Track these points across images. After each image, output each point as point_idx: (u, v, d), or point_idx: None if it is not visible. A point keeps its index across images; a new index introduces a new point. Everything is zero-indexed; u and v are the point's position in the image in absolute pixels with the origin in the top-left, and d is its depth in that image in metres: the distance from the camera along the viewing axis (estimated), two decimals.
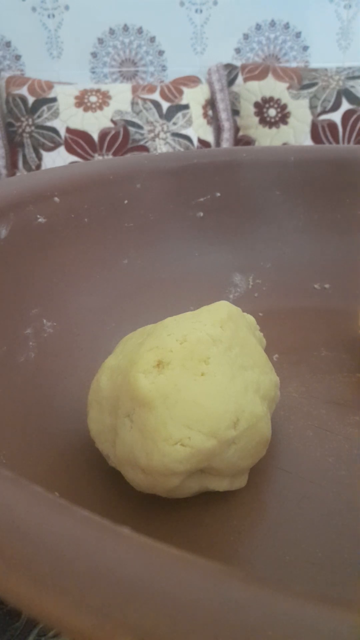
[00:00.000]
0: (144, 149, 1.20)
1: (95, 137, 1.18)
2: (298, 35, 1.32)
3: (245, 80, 1.25)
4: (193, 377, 0.21)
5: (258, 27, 1.31)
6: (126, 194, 0.33)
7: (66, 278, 0.29)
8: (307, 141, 1.21)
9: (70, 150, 1.19)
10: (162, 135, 1.20)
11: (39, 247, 0.28)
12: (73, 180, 0.30)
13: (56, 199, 0.29)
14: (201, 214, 0.37)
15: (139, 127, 1.19)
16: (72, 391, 0.27)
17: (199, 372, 0.21)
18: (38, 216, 0.28)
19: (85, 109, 1.18)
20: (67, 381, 0.27)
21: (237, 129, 1.28)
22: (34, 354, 0.26)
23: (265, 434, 0.22)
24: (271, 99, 1.23)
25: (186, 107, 1.23)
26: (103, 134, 1.18)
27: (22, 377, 0.25)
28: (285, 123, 1.22)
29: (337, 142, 1.20)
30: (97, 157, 1.19)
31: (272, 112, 1.23)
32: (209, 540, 0.21)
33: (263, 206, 0.39)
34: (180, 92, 1.23)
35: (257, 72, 1.25)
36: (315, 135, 1.21)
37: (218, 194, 0.38)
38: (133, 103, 1.20)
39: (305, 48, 1.33)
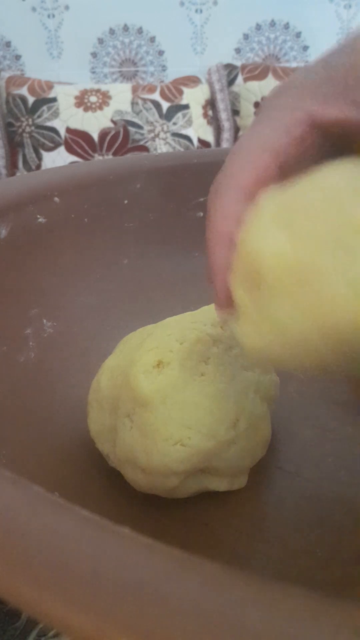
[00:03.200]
0: (144, 149, 1.20)
1: (95, 137, 1.18)
2: (298, 35, 1.32)
3: (245, 80, 1.25)
4: (193, 377, 0.21)
5: (258, 27, 1.31)
6: (126, 194, 0.33)
7: (66, 278, 0.29)
8: None
9: (70, 150, 1.19)
10: (162, 135, 1.20)
11: (39, 247, 0.28)
12: (73, 180, 0.30)
13: (56, 199, 0.29)
14: (201, 214, 0.37)
15: (139, 127, 1.19)
16: (72, 391, 0.27)
17: (199, 372, 0.21)
18: (38, 216, 0.28)
19: (85, 109, 1.18)
20: (67, 381, 0.27)
21: (237, 129, 1.28)
22: (34, 353, 0.26)
23: (265, 434, 0.22)
24: None
25: (186, 107, 1.23)
26: (103, 134, 1.18)
27: (22, 377, 0.25)
28: None
29: None
30: (97, 157, 1.19)
31: None
32: (209, 540, 0.21)
33: None
34: (180, 92, 1.23)
35: (257, 72, 1.25)
36: None
37: None
38: (133, 103, 1.20)
39: (305, 48, 1.33)
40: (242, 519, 0.22)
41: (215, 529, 0.21)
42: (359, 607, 0.09)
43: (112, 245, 0.32)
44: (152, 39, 1.30)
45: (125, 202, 0.33)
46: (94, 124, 1.18)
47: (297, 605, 0.09)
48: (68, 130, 1.18)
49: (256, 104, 1.24)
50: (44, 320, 0.28)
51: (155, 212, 0.35)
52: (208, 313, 0.24)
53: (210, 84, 1.29)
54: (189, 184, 0.37)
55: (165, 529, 0.21)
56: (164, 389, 0.20)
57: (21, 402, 0.24)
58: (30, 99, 1.19)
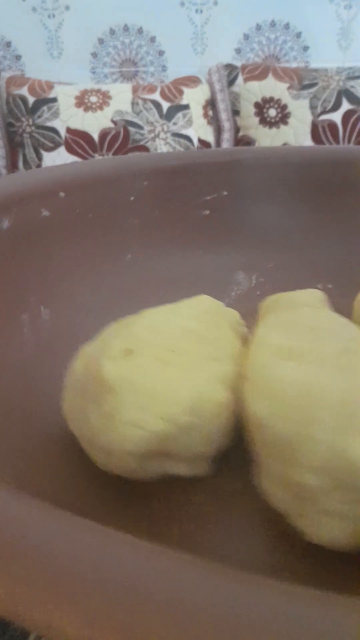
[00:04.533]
0: (144, 149, 1.20)
1: (96, 137, 1.18)
2: (298, 35, 1.32)
3: (246, 80, 1.26)
4: (158, 364, 0.22)
5: (258, 27, 1.31)
6: (132, 191, 0.33)
7: (68, 269, 0.30)
8: (308, 141, 1.21)
9: (70, 150, 1.19)
10: (162, 135, 1.20)
11: (41, 238, 0.28)
12: (79, 177, 0.31)
13: (62, 194, 0.29)
14: (207, 212, 0.37)
15: (139, 127, 1.19)
16: (59, 376, 0.27)
17: (165, 360, 0.22)
18: (42, 210, 0.28)
19: (86, 109, 1.18)
20: (55, 365, 0.28)
21: (237, 129, 1.28)
22: (27, 338, 0.27)
23: (227, 423, 0.23)
24: (271, 99, 1.23)
25: (186, 107, 1.23)
26: (103, 134, 1.18)
27: (10, 359, 0.25)
28: (286, 123, 1.22)
29: (338, 142, 1.20)
30: (98, 158, 1.19)
31: (272, 112, 1.23)
32: (179, 528, 0.22)
33: (269, 206, 0.40)
34: (181, 92, 1.23)
35: (257, 72, 1.25)
36: (315, 135, 1.21)
37: (225, 193, 0.38)
38: (133, 103, 1.20)
39: (306, 48, 1.33)
40: (210, 505, 0.23)
41: (183, 516, 0.22)
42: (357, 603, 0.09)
43: (116, 240, 0.32)
44: (153, 39, 1.30)
45: (131, 199, 0.33)
46: (94, 124, 1.18)
47: (295, 601, 0.09)
48: (68, 130, 1.18)
49: (256, 104, 1.24)
50: (42, 307, 0.28)
51: (161, 209, 0.35)
52: (186, 306, 0.25)
53: (211, 84, 1.29)
54: (196, 183, 0.37)
55: (135, 515, 0.22)
56: (127, 375, 0.21)
57: (7, 386, 0.25)
58: (31, 99, 1.19)
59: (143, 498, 0.23)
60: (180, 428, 0.21)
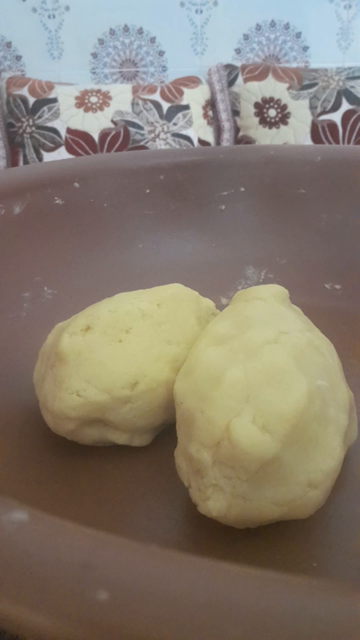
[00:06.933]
0: (144, 149, 1.20)
1: (96, 137, 1.18)
2: (298, 35, 1.32)
3: (246, 80, 1.26)
4: (110, 342, 0.24)
5: (258, 27, 1.31)
6: (148, 184, 0.34)
7: (77, 255, 0.31)
8: (307, 141, 1.21)
9: (70, 150, 1.19)
10: (162, 135, 1.20)
11: (53, 225, 0.29)
12: (96, 169, 0.31)
13: (76, 184, 0.29)
14: (223, 207, 0.38)
15: (140, 127, 1.19)
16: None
17: (118, 339, 0.24)
18: (56, 198, 0.28)
19: (86, 110, 1.18)
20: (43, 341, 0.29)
21: (237, 130, 1.28)
22: (26, 313, 0.28)
23: (165, 400, 0.24)
24: (271, 99, 1.23)
25: (186, 107, 1.23)
26: (103, 135, 1.18)
27: (4, 331, 0.27)
28: (286, 123, 1.23)
29: (337, 142, 1.20)
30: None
31: (272, 112, 1.23)
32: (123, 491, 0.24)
33: (287, 203, 0.40)
34: (181, 93, 1.23)
35: (257, 72, 1.26)
36: (315, 135, 1.21)
37: (242, 189, 0.38)
38: (133, 103, 1.20)
39: (306, 48, 1.34)
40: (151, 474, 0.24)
41: (127, 483, 0.24)
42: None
43: (129, 229, 0.33)
44: (153, 40, 1.30)
45: (147, 191, 0.34)
46: (95, 124, 1.18)
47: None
48: (69, 130, 1.18)
49: (256, 104, 1.24)
50: (45, 288, 0.29)
51: (177, 202, 0.35)
52: (153, 292, 0.27)
53: (211, 85, 1.29)
54: (213, 178, 0.37)
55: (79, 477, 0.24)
56: (80, 348, 0.24)
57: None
58: (31, 100, 1.19)
59: (89, 459, 0.25)
60: (118, 400, 0.23)
